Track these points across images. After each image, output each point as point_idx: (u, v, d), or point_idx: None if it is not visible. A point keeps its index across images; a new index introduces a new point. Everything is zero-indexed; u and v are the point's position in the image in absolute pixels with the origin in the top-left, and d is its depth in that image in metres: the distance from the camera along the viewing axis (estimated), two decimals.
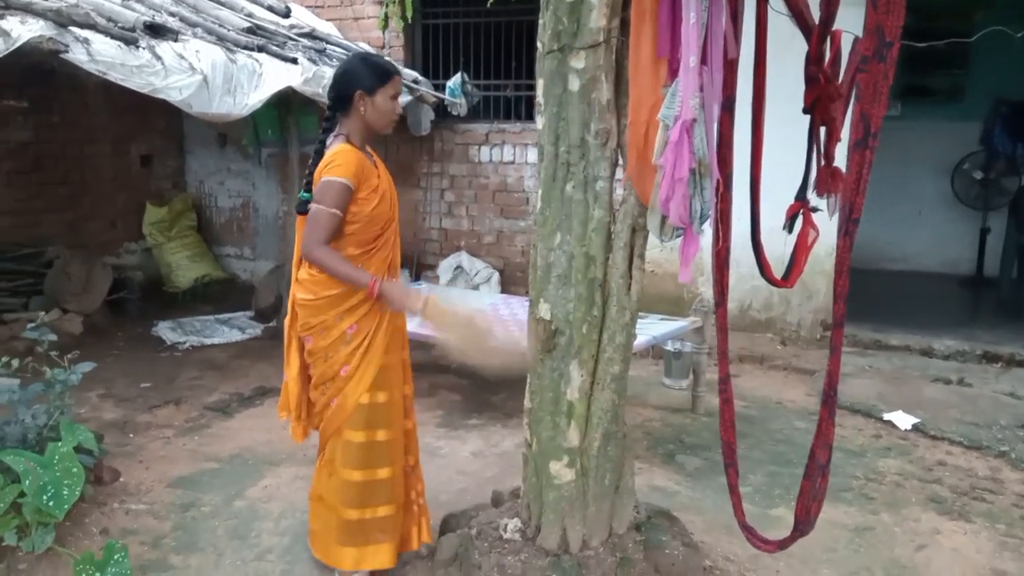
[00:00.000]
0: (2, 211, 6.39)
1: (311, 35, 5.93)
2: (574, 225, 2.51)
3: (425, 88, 6.27)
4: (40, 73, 5.05)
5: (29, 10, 3.67)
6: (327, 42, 6.00)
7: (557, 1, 2.41)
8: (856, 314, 5.84)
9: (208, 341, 6.04)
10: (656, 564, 2.65)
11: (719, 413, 2.49)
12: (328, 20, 6.82)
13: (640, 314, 4.63)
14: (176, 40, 4.36)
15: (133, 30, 4.15)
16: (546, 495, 2.64)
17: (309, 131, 6.32)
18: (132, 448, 4.01)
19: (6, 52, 3.49)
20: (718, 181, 2.23)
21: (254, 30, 5.31)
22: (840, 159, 2.63)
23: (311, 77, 5.03)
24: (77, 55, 3.76)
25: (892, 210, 7.73)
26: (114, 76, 3.90)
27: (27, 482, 2.76)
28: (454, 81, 6.27)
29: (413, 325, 3.02)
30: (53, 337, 3.45)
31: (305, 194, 2.70)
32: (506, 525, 2.76)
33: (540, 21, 2.52)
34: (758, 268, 2.64)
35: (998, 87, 7.28)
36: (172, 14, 4.87)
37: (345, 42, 6.29)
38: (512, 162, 6.60)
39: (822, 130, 2.56)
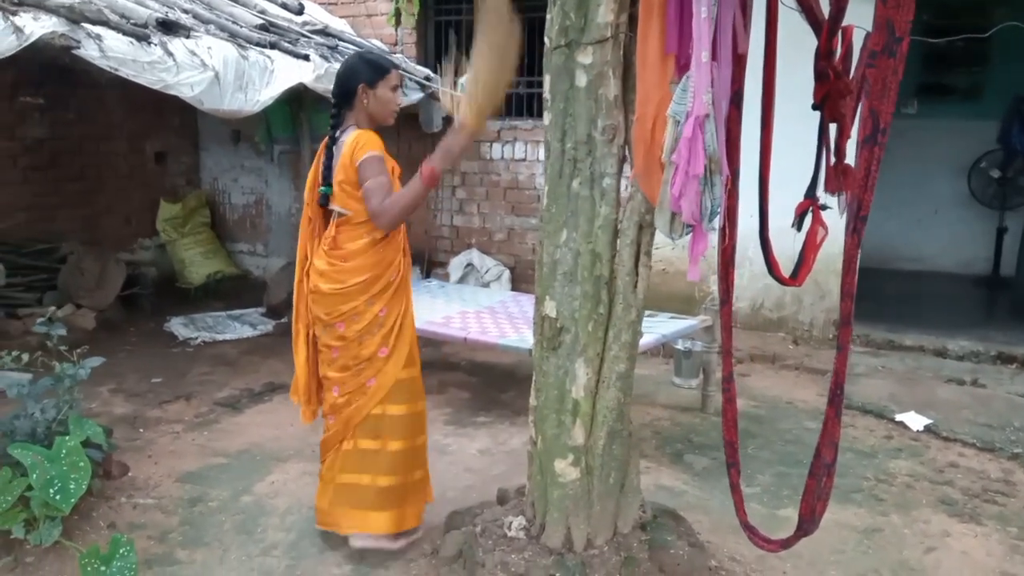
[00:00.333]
0: (18, 207, 6.44)
1: (324, 32, 5.93)
2: (580, 222, 2.49)
3: (436, 85, 6.27)
4: (57, 70, 5.08)
5: (42, 6, 3.69)
6: (339, 39, 6.00)
7: None
8: (870, 314, 5.81)
9: (220, 337, 6.07)
10: (661, 564, 2.63)
11: (722, 412, 2.47)
12: (341, 17, 6.83)
13: (650, 312, 4.65)
14: (188, 37, 4.37)
15: (145, 26, 4.16)
16: (551, 493, 2.63)
17: (321, 128, 6.30)
18: (141, 443, 4.03)
19: (19, 48, 3.51)
20: (727, 178, 2.21)
21: (267, 27, 5.33)
22: (850, 156, 2.60)
23: (323, 74, 5.03)
24: (89, 51, 3.77)
25: (908, 209, 7.66)
26: (126, 72, 3.92)
27: (34, 476, 2.78)
28: (463, 79, 6.26)
29: None
30: (63, 332, 3.47)
31: (325, 188, 2.88)
32: (511, 523, 2.75)
33: (548, 16, 2.50)
34: (766, 266, 2.61)
35: (1016, 85, 7.19)
36: (186, 11, 4.89)
37: (358, 39, 6.30)
38: (523, 159, 6.59)
39: (832, 127, 2.53)
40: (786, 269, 2.64)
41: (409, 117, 6.39)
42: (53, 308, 3.94)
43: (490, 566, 2.58)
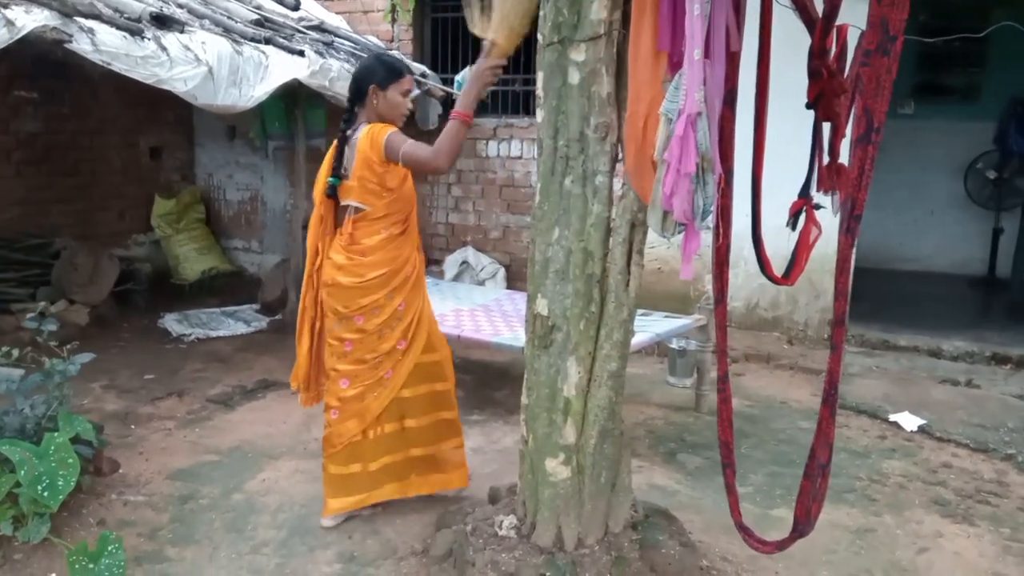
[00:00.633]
0: (12, 201, 6.41)
1: (319, 28, 5.92)
2: (572, 220, 2.48)
3: (433, 82, 6.25)
4: (51, 64, 5.06)
5: (34, 0, 3.67)
6: (335, 35, 5.99)
7: None
8: (865, 314, 5.81)
9: (213, 333, 6.05)
10: (652, 563, 2.62)
11: (717, 412, 2.46)
12: (337, 13, 6.80)
13: (645, 311, 4.64)
14: (182, 31, 4.36)
15: (139, 21, 4.15)
16: (542, 492, 2.62)
17: (316, 124, 6.32)
18: (133, 439, 4.01)
19: (10, 41, 3.49)
20: (720, 176, 2.20)
21: (262, 22, 5.31)
22: (844, 156, 2.59)
23: (318, 70, 5.02)
24: (81, 45, 3.76)
25: (904, 210, 7.66)
26: (118, 67, 3.90)
27: (22, 472, 2.76)
28: (462, 75, 6.23)
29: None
30: (54, 327, 3.45)
31: (334, 179, 3.01)
32: (501, 522, 2.74)
33: (541, 13, 2.49)
34: (759, 265, 2.60)
35: (1014, 86, 7.19)
36: (180, 5, 4.87)
37: (354, 35, 6.28)
38: (519, 157, 6.57)
39: (826, 126, 2.52)
40: (780, 268, 2.64)
41: None
42: (44, 303, 3.92)
43: (480, 565, 2.57)
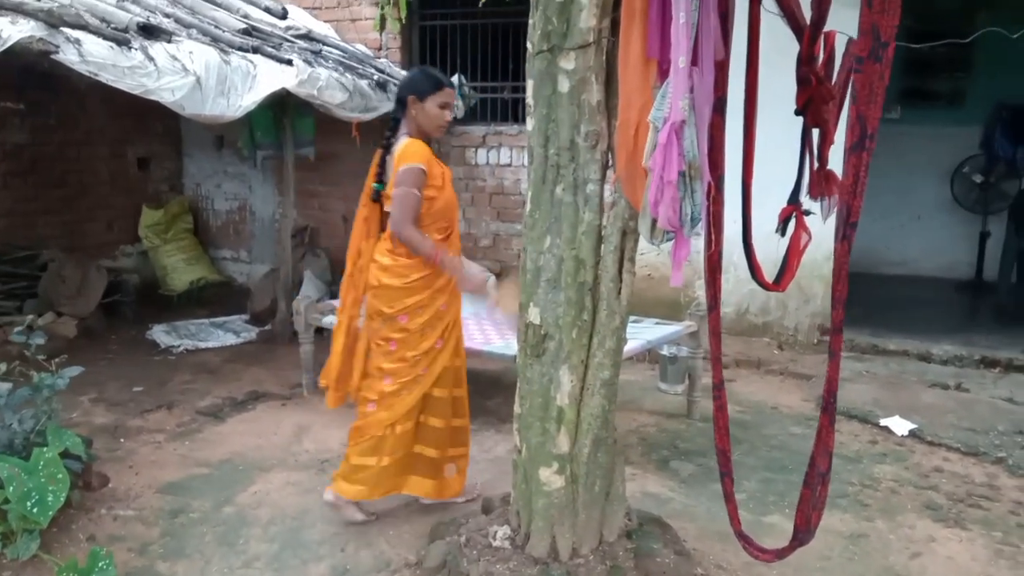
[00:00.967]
0: None
1: (307, 36, 5.91)
2: (564, 228, 2.48)
3: None
4: (37, 75, 5.02)
5: (20, 10, 3.64)
6: (323, 44, 5.98)
7: (547, 1, 2.39)
8: (854, 319, 5.81)
9: (203, 345, 6.01)
10: (647, 572, 2.61)
11: (713, 420, 2.45)
12: (325, 22, 6.80)
13: (636, 318, 4.63)
14: (170, 41, 4.33)
15: (126, 31, 4.12)
16: (535, 502, 2.61)
17: (304, 133, 6.31)
18: (122, 453, 3.98)
19: None
20: (709, 184, 2.20)
21: (249, 31, 5.29)
22: (833, 162, 2.60)
23: (306, 79, 5.01)
24: (68, 56, 3.73)
25: (892, 215, 7.71)
26: (105, 77, 3.88)
27: (11, 488, 2.73)
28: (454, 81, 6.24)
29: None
30: (41, 341, 3.42)
31: (378, 185, 3.16)
32: (495, 532, 2.73)
33: (530, 21, 2.49)
34: (750, 272, 2.61)
35: (999, 91, 7.25)
36: (167, 15, 4.85)
37: (342, 43, 6.28)
38: (509, 164, 6.58)
39: (815, 132, 2.53)
40: (770, 274, 2.64)
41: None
42: (32, 316, 3.88)
43: None
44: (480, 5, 5.14)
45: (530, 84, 2.51)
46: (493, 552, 2.65)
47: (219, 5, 5.63)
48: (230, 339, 6.18)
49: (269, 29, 5.61)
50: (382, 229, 3.20)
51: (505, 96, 6.67)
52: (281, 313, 6.15)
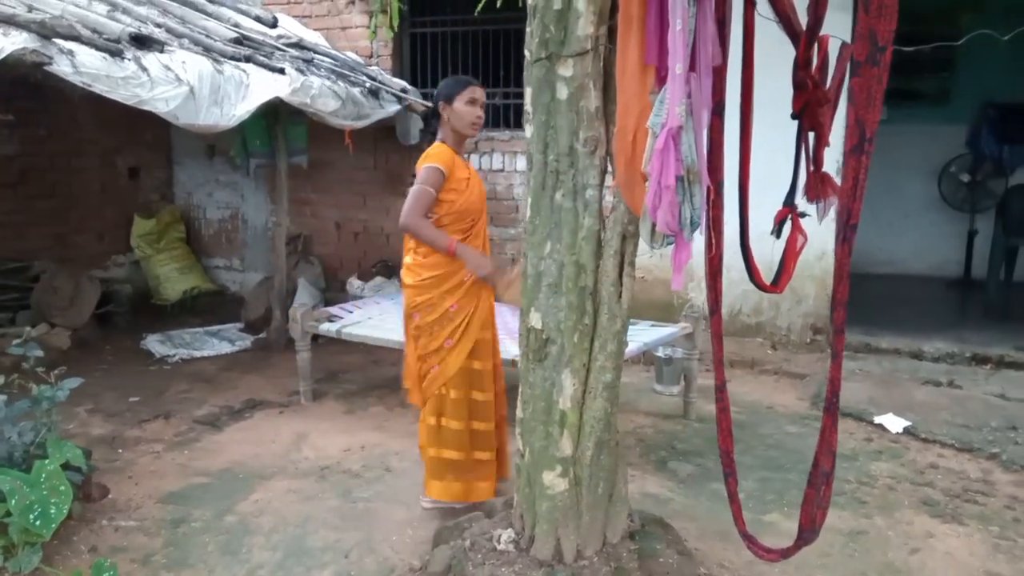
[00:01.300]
0: None
1: (299, 45, 5.91)
2: (564, 234, 2.50)
3: (413, 97, 6.26)
4: (27, 87, 5.01)
5: (12, 22, 3.64)
6: (315, 52, 5.98)
7: (544, 9, 2.41)
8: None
9: (198, 354, 6.00)
10: (650, 573, 2.63)
11: (716, 421, 2.49)
12: (316, 30, 6.80)
13: (631, 320, 4.64)
14: (162, 51, 4.34)
15: (118, 41, 4.12)
16: (539, 505, 2.63)
17: (297, 141, 6.32)
18: (121, 463, 3.97)
19: None
20: (708, 188, 2.22)
21: (241, 40, 5.29)
22: (827, 164, 2.64)
23: (299, 87, 5.02)
24: (61, 67, 3.73)
25: (880, 214, 7.76)
26: (99, 88, 3.88)
27: (13, 501, 2.73)
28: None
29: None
30: (40, 353, 3.41)
31: None
32: (499, 536, 2.74)
33: (528, 29, 2.51)
34: (747, 274, 2.63)
35: (983, 90, 7.33)
36: (158, 25, 4.85)
37: (333, 52, 6.28)
38: (501, 170, 6.60)
39: (810, 135, 2.56)
40: (765, 276, 2.67)
41: (386, 129, 6.38)
42: (29, 329, 3.87)
43: None
44: (476, 13, 5.16)
45: (528, 91, 2.53)
46: (498, 556, 2.67)
47: (209, 15, 5.64)
48: (225, 348, 6.17)
49: (260, 38, 5.61)
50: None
51: (496, 102, 6.69)
52: (276, 321, 6.15)
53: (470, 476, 3.36)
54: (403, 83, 6.37)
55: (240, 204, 7.82)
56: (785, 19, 2.33)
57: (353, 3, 6.90)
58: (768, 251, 2.66)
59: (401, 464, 3.96)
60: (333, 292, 6.92)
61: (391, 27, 4.74)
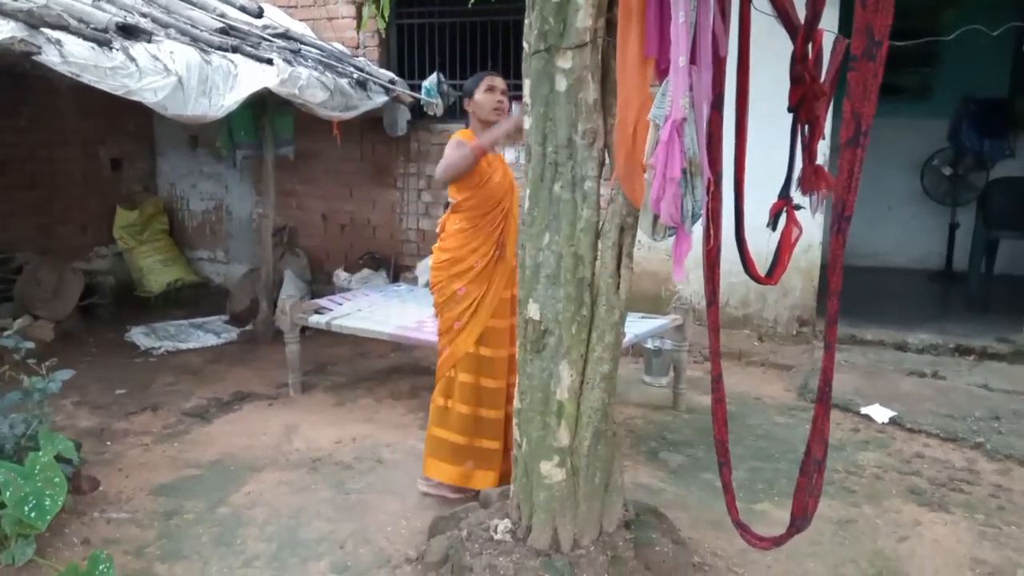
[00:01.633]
0: None
1: (285, 35, 5.87)
2: (562, 225, 2.51)
3: (401, 88, 6.24)
4: (7, 76, 4.95)
5: None
6: (301, 43, 5.94)
7: (544, 1, 2.41)
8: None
9: (183, 346, 5.96)
10: (647, 561, 2.66)
11: (712, 412, 2.52)
12: (301, 20, 6.75)
13: None
14: (150, 41, 4.30)
15: (106, 31, 4.08)
16: (536, 495, 2.64)
17: (283, 132, 6.28)
18: (110, 456, 3.95)
19: None
20: (709, 180, 2.24)
21: (227, 30, 5.24)
22: (821, 157, 2.67)
23: (287, 78, 4.99)
24: (50, 57, 3.69)
25: (863, 207, 7.75)
26: (88, 78, 3.84)
27: (7, 493, 2.71)
28: (430, 81, 6.24)
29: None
30: (31, 345, 3.38)
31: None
32: (496, 526, 2.75)
33: (526, 21, 2.52)
34: (742, 265, 2.66)
35: (964, 84, 7.41)
36: (143, 15, 4.79)
37: (319, 42, 6.25)
38: None
39: (804, 128, 2.58)
40: (759, 268, 2.69)
41: (373, 120, 6.36)
42: (15, 321, 3.83)
43: (478, 570, 2.58)
44: (469, 5, 5.14)
45: (527, 83, 2.54)
46: (495, 545, 2.68)
47: (194, 4, 5.57)
48: (210, 340, 6.13)
49: (247, 28, 5.56)
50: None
51: None
52: (263, 313, 6.12)
53: (470, 462, 3.39)
54: (391, 74, 6.35)
55: (224, 195, 7.76)
56: (784, 14, 2.35)
57: None
58: (762, 242, 2.68)
59: (393, 456, 3.97)
60: (319, 284, 6.89)
61: (383, 17, 4.70)
